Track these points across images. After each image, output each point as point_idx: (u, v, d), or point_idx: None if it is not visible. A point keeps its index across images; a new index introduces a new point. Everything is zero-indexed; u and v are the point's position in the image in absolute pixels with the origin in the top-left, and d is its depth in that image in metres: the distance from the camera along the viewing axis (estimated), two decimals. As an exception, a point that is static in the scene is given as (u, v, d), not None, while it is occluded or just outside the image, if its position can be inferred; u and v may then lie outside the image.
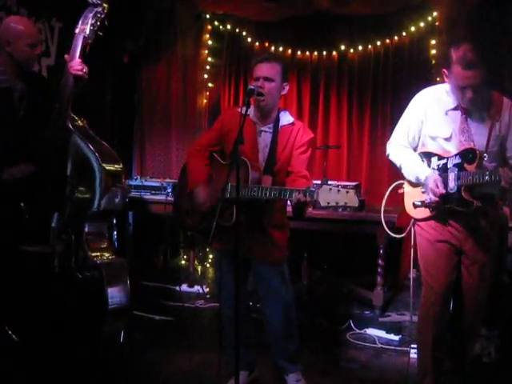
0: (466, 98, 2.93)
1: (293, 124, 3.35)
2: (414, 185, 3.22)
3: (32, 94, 3.50)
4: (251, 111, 3.30)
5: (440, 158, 3.09)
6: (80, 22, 3.35)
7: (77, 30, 3.34)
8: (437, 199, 2.99)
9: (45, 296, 3.26)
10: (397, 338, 4.38)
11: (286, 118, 3.36)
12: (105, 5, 3.36)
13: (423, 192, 3.11)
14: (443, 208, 3.03)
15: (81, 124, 3.45)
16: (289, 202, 3.26)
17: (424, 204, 3.09)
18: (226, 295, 3.22)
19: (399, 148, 3.27)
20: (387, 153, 3.35)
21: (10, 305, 3.35)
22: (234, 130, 3.19)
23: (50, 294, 3.25)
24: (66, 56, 3.36)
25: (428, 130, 3.14)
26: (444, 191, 2.96)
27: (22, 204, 3.37)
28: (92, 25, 3.33)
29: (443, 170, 3.05)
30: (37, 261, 3.30)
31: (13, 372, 3.27)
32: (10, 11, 4.88)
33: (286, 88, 3.34)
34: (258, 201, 3.10)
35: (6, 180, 3.36)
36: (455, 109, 3.06)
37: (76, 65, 3.29)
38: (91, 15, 3.34)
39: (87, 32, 3.32)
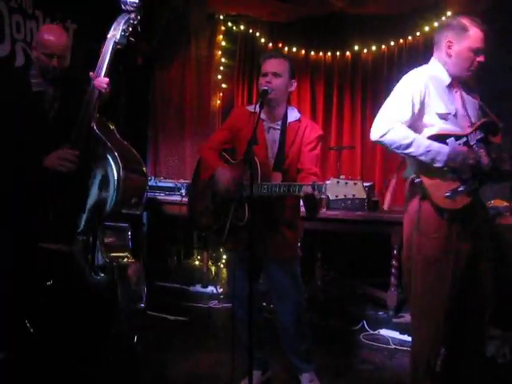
0: (478, 61, 2.93)
1: (299, 121, 3.37)
2: (434, 174, 2.88)
3: (63, 98, 3.54)
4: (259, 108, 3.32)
5: (458, 137, 2.89)
6: (112, 28, 3.41)
7: (108, 36, 3.40)
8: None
9: (61, 294, 3.29)
10: (410, 338, 4.35)
11: (293, 115, 3.38)
12: (138, 12, 3.41)
13: (453, 179, 2.85)
14: (478, 186, 2.83)
15: (108, 126, 3.50)
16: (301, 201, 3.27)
17: (458, 191, 2.81)
18: (238, 296, 3.23)
19: (403, 125, 2.89)
20: (382, 132, 2.87)
21: (28, 299, 3.38)
22: (244, 129, 3.28)
23: (66, 293, 3.28)
24: (91, 74, 3.39)
25: (435, 107, 2.94)
26: (488, 159, 2.81)
27: (47, 204, 3.39)
28: (123, 30, 3.38)
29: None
30: (54, 258, 3.32)
31: (26, 370, 3.30)
32: (25, 13, 4.93)
33: (294, 85, 3.37)
34: (268, 198, 3.11)
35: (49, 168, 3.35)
36: (450, 85, 3.02)
37: (103, 82, 3.34)
38: (123, 21, 3.40)
39: (118, 37, 3.37)
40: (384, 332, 4.52)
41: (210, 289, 5.71)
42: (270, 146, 3.32)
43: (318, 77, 6.51)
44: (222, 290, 5.66)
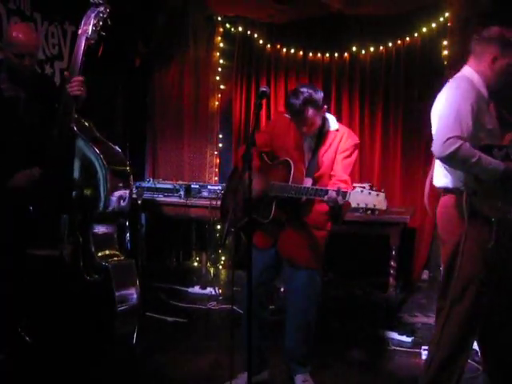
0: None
1: (337, 130, 3.47)
2: (484, 185, 2.88)
3: (35, 98, 3.51)
4: None
5: (499, 148, 2.91)
6: (82, 23, 3.32)
7: (79, 32, 3.33)
8: None
9: (54, 299, 3.27)
10: (409, 339, 4.36)
11: (332, 124, 3.48)
12: (107, 5, 3.34)
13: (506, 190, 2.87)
14: None
15: (86, 125, 3.44)
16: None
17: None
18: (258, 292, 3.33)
19: (467, 143, 2.80)
20: (451, 150, 2.75)
21: (21, 307, 3.37)
22: (282, 135, 3.48)
23: (60, 297, 3.26)
24: (65, 73, 3.36)
25: (485, 121, 2.93)
26: None
27: (30, 207, 3.38)
28: (94, 25, 3.29)
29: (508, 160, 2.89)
30: (45, 264, 3.30)
31: (25, 372, 3.30)
32: (23, 15, 4.93)
33: (325, 107, 3.44)
34: (296, 200, 3.25)
35: (12, 188, 3.37)
36: (489, 97, 3.00)
37: (74, 86, 3.26)
38: (93, 15, 3.31)
39: (89, 33, 3.29)
40: (382, 333, 4.51)
41: (209, 290, 5.70)
42: (306, 152, 3.44)
43: (316, 78, 6.49)
44: (220, 291, 5.65)
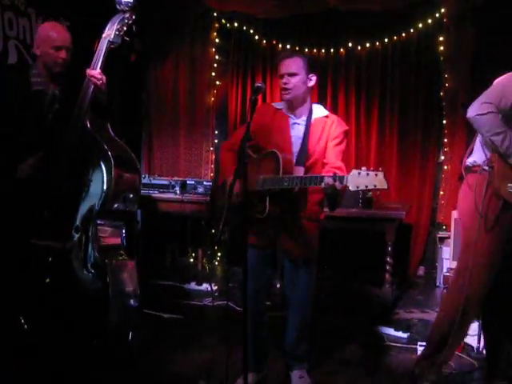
0: None
1: (326, 117, 3.39)
2: (506, 164, 3.07)
3: (64, 98, 3.59)
4: (284, 105, 3.40)
5: None
6: (107, 28, 3.47)
7: (103, 35, 3.46)
8: None
9: (53, 290, 3.30)
10: (405, 335, 4.36)
11: (320, 111, 3.41)
12: (132, 12, 3.47)
13: None
14: None
15: (102, 125, 3.53)
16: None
17: None
18: (254, 291, 3.28)
19: (499, 115, 3.05)
20: (482, 111, 3.03)
21: (21, 296, 3.40)
22: (268, 125, 3.35)
23: (58, 289, 3.30)
24: (87, 71, 3.42)
25: None
26: None
27: (36, 199, 3.42)
28: (118, 30, 3.44)
29: None
30: (46, 255, 3.35)
31: (22, 362, 3.31)
32: (18, 10, 4.92)
33: (314, 79, 3.36)
34: (291, 191, 3.15)
35: (20, 177, 3.44)
36: None
37: (95, 74, 3.38)
38: (118, 21, 3.45)
39: (112, 37, 3.43)
40: (378, 329, 4.52)
41: (205, 286, 5.70)
42: (294, 142, 3.34)
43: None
44: (216, 287, 5.65)
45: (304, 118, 3.37)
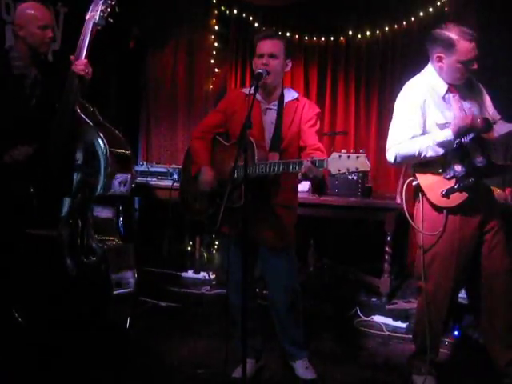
0: (471, 69, 3.03)
1: (297, 99, 3.34)
2: (430, 175, 3.14)
3: (45, 82, 3.53)
4: (255, 90, 3.23)
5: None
6: (90, 9, 3.37)
7: (87, 17, 3.37)
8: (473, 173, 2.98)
9: (50, 279, 3.29)
10: (404, 325, 4.37)
11: (291, 94, 3.36)
12: None
13: (448, 178, 3.07)
14: (473, 183, 2.99)
15: (90, 110, 3.48)
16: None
17: (454, 189, 3.03)
18: (233, 281, 3.14)
19: (410, 140, 3.13)
20: (394, 155, 3.17)
21: (16, 287, 3.38)
22: (239, 111, 3.25)
23: (55, 278, 3.28)
24: (71, 57, 3.38)
25: (434, 118, 3.12)
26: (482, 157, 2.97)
27: (31, 189, 3.39)
28: (102, 11, 3.34)
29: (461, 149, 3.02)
30: (43, 244, 3.33)
31: (18, 355, 3.29)
32: (15, -5, 4.86)
33: (290, 65, 3.33)
34: (265, 178, 3.09)
35: (10, 163, 3.38)
36: (447, 92, 3.13)
37: (80, 64, 3.33)
38: (101, 2, 3.35)
39: (97, 19, 3.34)
40: (377, 318, 4.51)
41: (203, 275, 5.70)
42: (267, 128, 3.28)
43: (311, 62, 6.45)
44: (214, 275, 5.64)
45: (275, 102, 3.32)
